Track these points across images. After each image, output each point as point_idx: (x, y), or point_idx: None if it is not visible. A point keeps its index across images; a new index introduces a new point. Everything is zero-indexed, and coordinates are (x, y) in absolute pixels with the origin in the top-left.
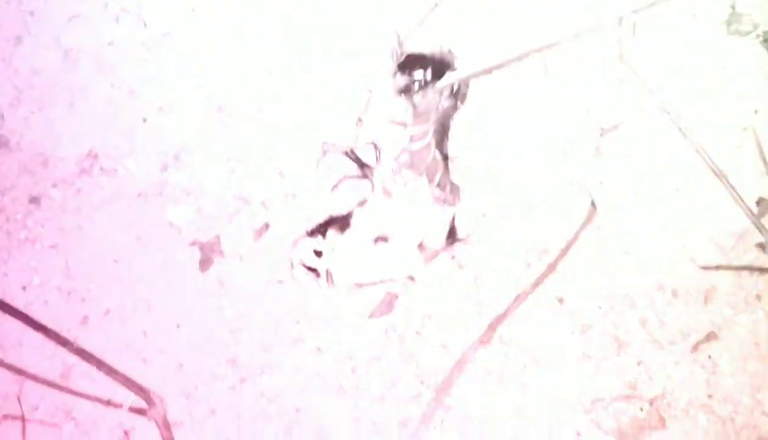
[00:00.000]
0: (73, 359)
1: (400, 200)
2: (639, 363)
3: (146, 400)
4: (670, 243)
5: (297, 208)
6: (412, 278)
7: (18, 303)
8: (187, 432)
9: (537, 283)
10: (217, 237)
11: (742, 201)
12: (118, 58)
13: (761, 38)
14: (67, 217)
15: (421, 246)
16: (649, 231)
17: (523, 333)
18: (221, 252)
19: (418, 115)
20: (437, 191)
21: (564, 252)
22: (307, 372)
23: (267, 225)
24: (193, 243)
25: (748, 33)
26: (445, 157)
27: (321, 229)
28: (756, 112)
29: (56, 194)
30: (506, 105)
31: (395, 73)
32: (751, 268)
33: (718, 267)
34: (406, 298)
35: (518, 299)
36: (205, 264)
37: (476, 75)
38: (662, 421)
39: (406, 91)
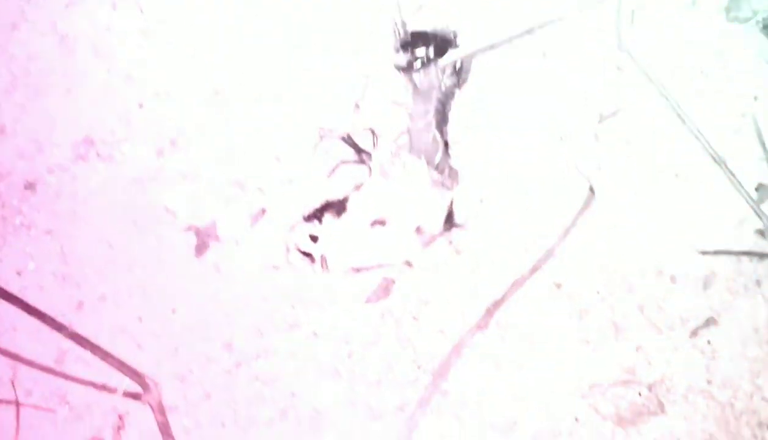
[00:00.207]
0: (67, 344)
1: (398, 183)
2: (637, 349)
3: (141, 385)
4: (668, 228)
5: (293, 193)
6: (409, 263)
7: (13, 288)
8: (182, 416)
9: (535, 268)
10: (213, 222)
11: (741, 186)
12: (115, 43)
13: (760, 24)
14: (63, 203)
15: (418, 230)
16: (647, 216)
17: (520, 319)
18: (217, 237)
19: (419, 93)
20: (436, 174)
21: (562, 237)
22: (303, 356)
23: (263, 211)
24: (188, 229)
25: (747, 19)
26: (445, 140)
27: (317, 214)
28: (755, 98)
29: (52, 180)
30: (505, 91)
31: (397, 51)
32: (750, 254)
33: (717, 253)
34: (403, 283)
35: (516, 284)
36: (200, 249)
37: (479, 52)
38: (661, 406)
39: (408, 68)
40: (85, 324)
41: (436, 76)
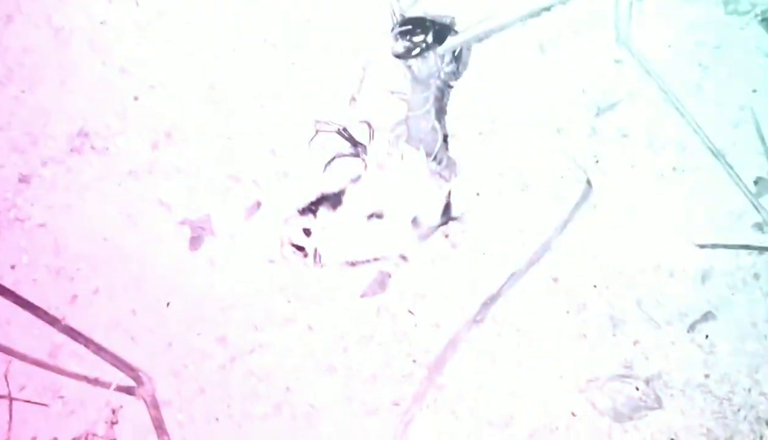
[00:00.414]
0: (61, 338)
1: (396, 173)
2: (635, 343)
3: (135, 379)
4: (666, 222)
5: (289, 186)
6: (405, 257)
7: (6, 281)
8: (176, 411)
9: (532, 262)
10: (208, 215)
11: (740, 180)
12: (111, 36)
13: (759, 17)
14: (57, 196)
15: (415, 221)
16: (645, 210)
17: (517, 313)
18: (212, 231)
19: (418, 81)
20: (434, 165)
21: (559, 231)
22: (298, 351)
23: (258, 204)
24: (183, 222)
25: (746, 12)
26: (444, 128)
27: (312, 208)
28: (754, 91)
29: (46, 173)
30: (502, 84)
31: (396, 38)
32: (749, 248)
33: (715, 247)
34: (399, 277)
35: (512, 278)
36: (195, 242)
37: (478, 38)
38: (658, 401)
39: (406, 55)
40: (79, 317)
41: (435, 63)
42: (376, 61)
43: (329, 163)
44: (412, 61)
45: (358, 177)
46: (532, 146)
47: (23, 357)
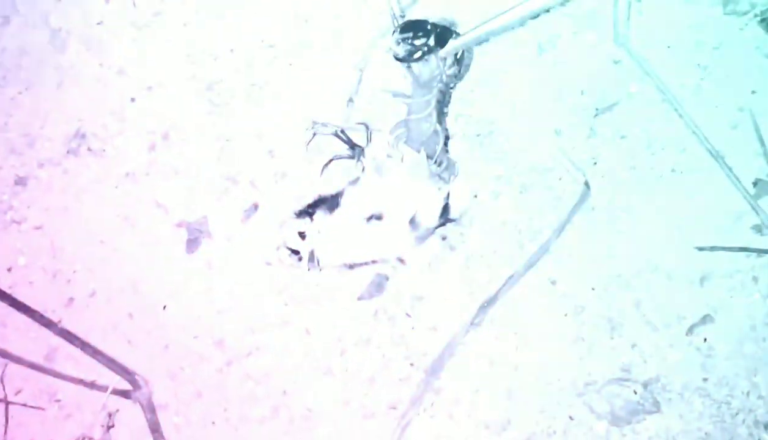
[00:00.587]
0: (57, 341)
1: (395, 176)
2: (633, 346)
3: (131, 382)
4: (665, 224)
5: (287, 188)
6: (402, 260)
7: (3, 284)
8: (173, 414)
9: (529, 265)
10: (205, 217)
11: (739, 182)
12: (108, 37)
13: (758, 18)
14: (54, 198)
15: (413, 222)
16: (643, 212)
17: (514, 316)
18: (209, 233)
19: (419, 85)
20: (435, 166)
21: (557, 233)
22: (296, 354)
23: (256, 206)
24: (180, 224)
25: (744, 13)
26: (445, 130)
27: (309, 210)
28: (753, 92)
29: (43, 174)
30: (500, 85)
31: (397, 42)
32: (747, 250)
33: (713, 249)
34: (396, 280)
35: (510, 281)
36: (192, 244)
37: (480, 40)
38: (656, 405)
39: (408, 59)
40: (76, 320)
41: (437, 66)
42: (374, 62)
43: (327, 165)
44: (413, 65)
45: (356, 179)
46: (530, 148)
47: (19, 361)
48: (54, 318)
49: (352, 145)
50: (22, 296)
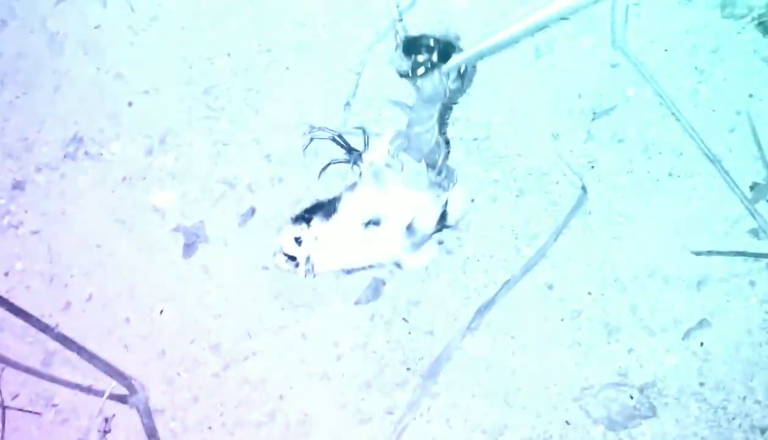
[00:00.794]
0: (54, 345)
1: (395, 185)
2: (629, 351)
3: (128, 387)
4: (662, 228)
5: (284, 192)
6: (399, 264)
7: (0, 288)
8: (169, 419)
9: (526, 269)
10: (202, 221)
11: (736, 186)
12: (105, 41)
13: (756, 21)
14: (51, 202)
15: (410, 229)
16: (640, 216)
17: (511, 320)
18: (206, 238)
19: (423, 99)
20: (435, 176)
21: (554, 237)
22: (292, 359)
23: (253, 210)
24: (177, 229)
25: (742, 16)
26: (447, 141)
27: (306, 215)
28: (750, 95)
29: (40, 179)
30: (497, 89)
31: (400, 57)
32: (744, 254)
33: (710, 253)
34: (393, 284)
35: (507, 285)
36: (189, 249)
37: (482, 55)
38: (653, 409)
39: (411, 75)
40: (72, 325)
41: (440, 81)
42: (371, 66)
43: (324, 169)
44: (417, 80)
45: (354, 184)
46: (528, 152)
47: (16, 365)
48: (51, 322)
49: (350, 150)
50: (19, 300)
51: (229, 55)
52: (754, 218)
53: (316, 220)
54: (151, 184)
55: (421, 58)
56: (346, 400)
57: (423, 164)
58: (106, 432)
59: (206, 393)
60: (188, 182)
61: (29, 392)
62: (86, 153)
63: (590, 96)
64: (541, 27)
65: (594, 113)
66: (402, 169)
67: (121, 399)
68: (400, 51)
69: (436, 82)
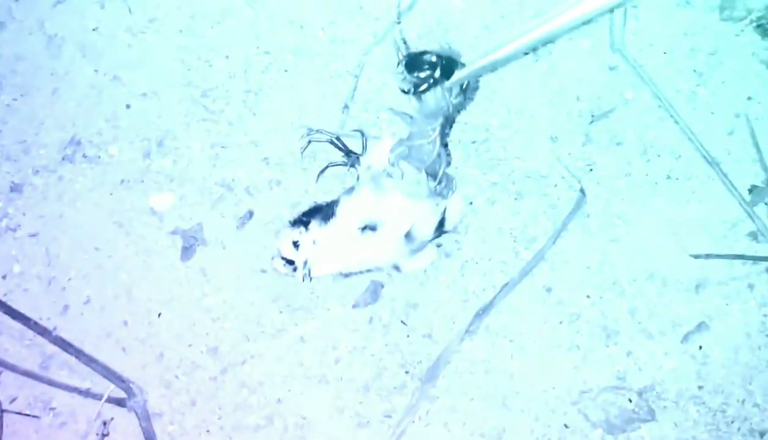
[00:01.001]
0: (52, 348)
1: (394, 192)
2: (628, 354)
3: (126, 390)
4: (660, 231)
5: (282, 195)
6: (397, 267)
7: None
8: (167, 422)
9: (525, 272)
10: (200, 224)
11: (735, 189)
12: (103, 43)
13: (754, 24)
14: (49, 205)
15: (409, 236)
16: (639, 219)
17: (510, 323)
18: (204, 241)
19: (426, 114)
20: (434, 185)
21: (553, 240)
22: (290, 362)
23: (251, 213)
24: (175, 231)
25: (741, 19)
26: (448, 153)
27: (304, 219)
28: (749, 98)
29: (38, 181)
30: (495, 92)
31: (402, 74)
32: (743, 257)
33: (709, 256)
34: (391, 287)
35: (506, 288)
36: (187, 252)
37: (485, 70)
38: (651, 413)
39: (414, 91)
40: (70, 328)
41: (443, 97)
42: (369, 68)
43: (322, 172)
44: (420, 97)
45: (352, 187)
46: (526, 154)
47: (14, 368)
48: (49, 325)
49: (348, 152)
50: (17, 304)
51: (227, 57)
52: (753, 221)
53: (314, 224)
54: (149, 186)
55: (423, 74)
56: (344, 404)
57: (423, 173)
58: (104, 435)
59: (204, 397)
60: (186, 185)
61: (27, 395)
62: (84, 155)
63: (588, 98)
64: (545, 42)
65: (592, 116)
66: (402, 177)
67: (120, 403)
68: (402, 68)
69: (438, 97)
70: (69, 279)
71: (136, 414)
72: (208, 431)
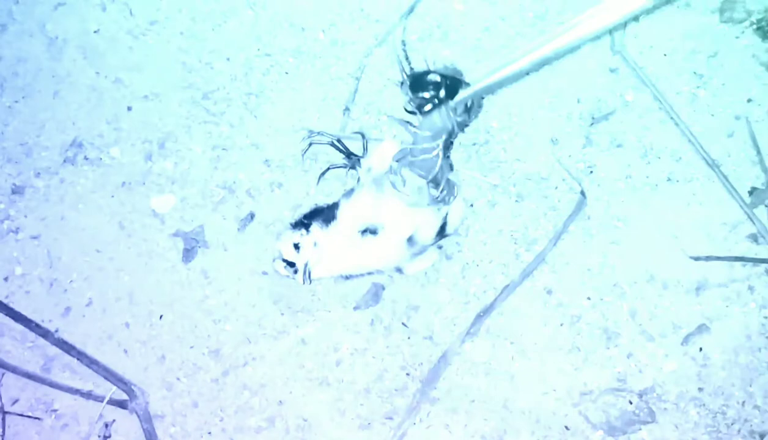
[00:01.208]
0: (54, 350)
1: (396, 198)
2: (629, 356)
3: (127, 392)
4: (660, 233)
5: (283, 197)
6: (399, 269)
7: (0, 293)
8: (169, 424)
9: (525, 274)
10: (201, 226)
11: (735, 191)
12: (104, 46)
13: (754, 26)
14: (51, 207)
15: (411, 240)
16: (639, 221)
17: (510, 325)
18: (205, 243)
19: (431, 131)
20: (437, 192)
21: (553, 242)
22: (291, 364)
23: (252, 215)
24: (176, 234)
25: (741, 21)
26: (450, 165)
27: (304, 221)
28: (749, 100)
29: (40, 183)
30: (496, 94)
31: (406, 94)
32: (743, 259)
33: (709, 259)
34: (392, 289)
35: (506, 290)
36: (188, 254)
37: (489, 90)
38: (652, 415)
39: (419, 111)
40: (72, 330)
41: (448, 116)
42: (370, 71)
43: (323, 174)
44: (425, 116)
45: (352, 190)
46: (527, 157)
47: (16, 370)
48: (50, 327)
49: (349, 155)
50: (19, 306)
51: (228, 59)
52: (753, 223)
53: (315, 226)
54: (150, 188)
55: (427, 94)
56: (345, 405)
57: (425, 183)
58: (106, 437)
59: (206, 399)
60: (188, 187)
61: (29, 397)
62: (86, 158)
63: (589, 101)
64: (549, 61)
65: (593, 118)
66: (404, 184)
67: (121, 405)
68: (406, 88)
69: (443, 116)
70: (71, 281)
71: (138, 415)
72: (209, 433)
